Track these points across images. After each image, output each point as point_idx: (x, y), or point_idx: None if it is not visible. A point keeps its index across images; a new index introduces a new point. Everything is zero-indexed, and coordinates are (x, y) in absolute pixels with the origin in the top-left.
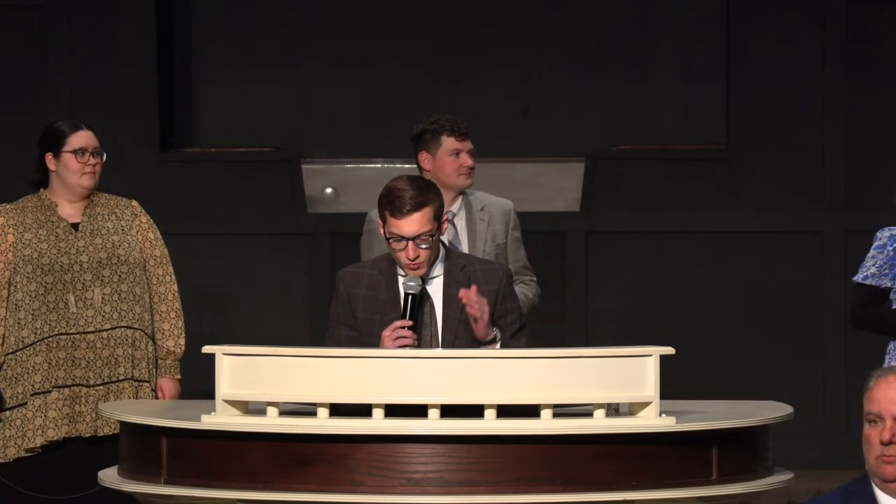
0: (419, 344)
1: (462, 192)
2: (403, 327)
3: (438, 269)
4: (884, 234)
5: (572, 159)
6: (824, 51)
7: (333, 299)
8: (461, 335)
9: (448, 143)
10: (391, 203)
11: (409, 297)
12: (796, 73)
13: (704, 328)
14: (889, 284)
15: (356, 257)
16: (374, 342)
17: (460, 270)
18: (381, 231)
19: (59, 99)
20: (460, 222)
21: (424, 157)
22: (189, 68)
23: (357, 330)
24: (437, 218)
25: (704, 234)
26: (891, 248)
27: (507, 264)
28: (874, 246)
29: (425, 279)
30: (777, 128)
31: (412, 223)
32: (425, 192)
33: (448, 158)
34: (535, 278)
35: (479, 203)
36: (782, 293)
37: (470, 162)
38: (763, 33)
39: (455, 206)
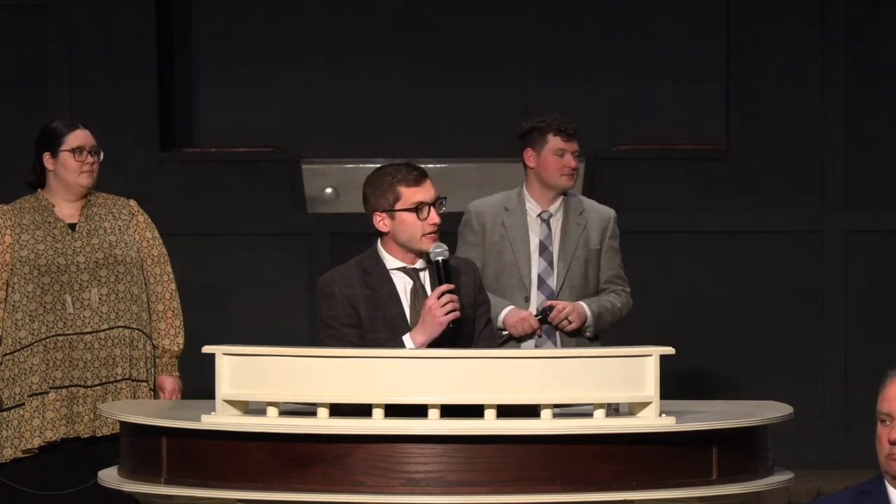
0: (409, 326)
1: (564, 194)
2: (446, 291)
3: (421, 262)
4: None
5: None
6: (824, 51)
7: (325, 305)
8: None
9: (554, 142)
10: (404, 177)
11: (442, 262)
12: (796, 73)
13: (704, 328)
14: None
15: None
16: (382, 339)
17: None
18: (382, 223)
19: (59, 99)
20: (556, 223)
21: (529, 155)
22: (189, 68)
23: (361, 329)
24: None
25: (704, 234)
26: None
27: (600, 272)
28: None
29: (416, 270)
30: (777, 128)
31: (429, 187)
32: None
33: (552, 157)
34: (628, 289)
35: (579, 207)
36: (782, 293)
37: (574, 163)
38: (763, 33)
39: (553, 207)
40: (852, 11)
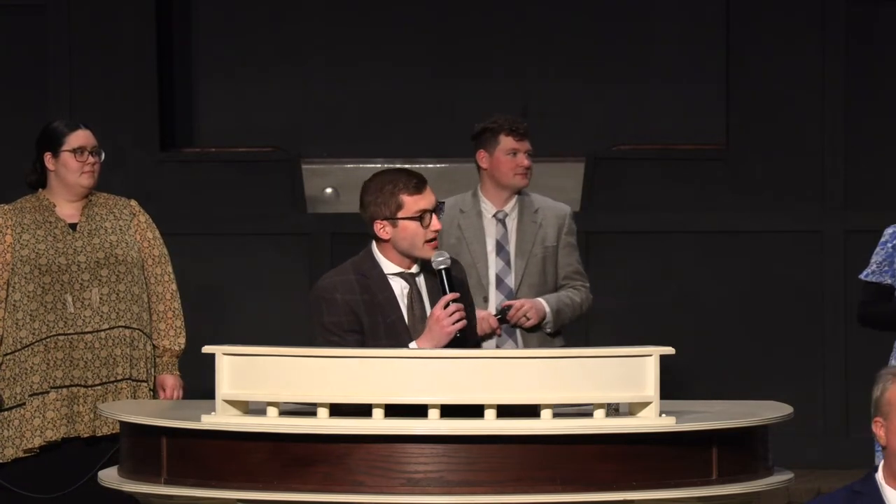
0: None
1: (518, 193)
2: (452, 300)
3: (416, 267)
4: (887, 231)
5: (572, 159)
6: (824, 51)
7: (327, 311)
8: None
9: (506, 142)
10: (406, 184)
11: (445, 271)
12: (796, 73)
13: (704, 328)
14: (890, 281)
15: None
16: (384, 345)
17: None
18: (382, 231)
19: (59, 99)
20: (512, 222)
21: (482, 156)
22: (189, 68)
23: (363, 335)
24: None
25: (704, 234)
26: (890, 245)
27: (558, 268)
28: (879, 243)
29: (412, 274)
30: (777, 128)
31: (430, 192)
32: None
33: (505, 158)
34: (587, 284)
35: (534, 205)
36: (782, 293)
37: (527, 162)
38: (763, 33)
39: (509, 206)
40: (852, 11)
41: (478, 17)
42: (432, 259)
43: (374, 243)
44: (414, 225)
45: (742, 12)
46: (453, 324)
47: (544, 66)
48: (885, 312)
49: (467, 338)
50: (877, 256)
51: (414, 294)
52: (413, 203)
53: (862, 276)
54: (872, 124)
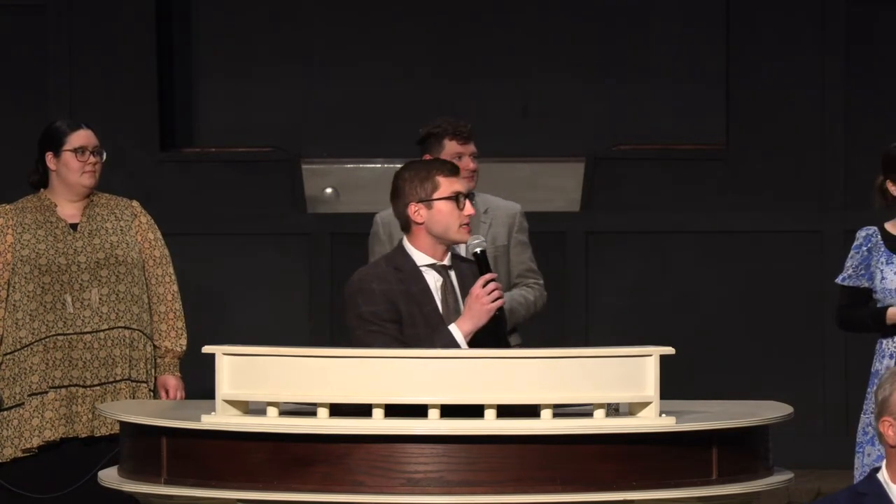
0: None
1: (469, 194)
2: (490, 280)
3: (449, 259)
4: (860, 234)
5: (572, 159)
6: (824, 51)
7: (363, 301)
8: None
9: (450, 146)
10: (441, 167)
11: (482, 252)
12: (796, 73)
13: (704, 328)
14: (867, 285)
15: (356, 257)
16: (422, 334)
17: (458, 260)
18: (417, 214)
19: (59, 99)
20: None
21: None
22: (189, 68)
23: (401, 324)
24: None
25: (704, 234)
26: (865, 249)
27: (511, 267)
28: (853, 246)
29: (445, 267)
30: (777, 128)
31: (462, 179)
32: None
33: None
34: (541, 282)
35: (484, 205)
36: (782, 293)
37: (472, 165)
38: (763, 33)
39: None
40: (852, 11)
41: (478, 17)
42: (468, 242)
43: (405, 238)
44: (449, 206)
45: (742, 12)
46: (492, 301)
47: (544, 66)
48: (862, 316)
49: (502, 321)
50: (851, 260)
51: (447, 286)
52: (448, 185)
53: (838, 281)
54: (872, 124)
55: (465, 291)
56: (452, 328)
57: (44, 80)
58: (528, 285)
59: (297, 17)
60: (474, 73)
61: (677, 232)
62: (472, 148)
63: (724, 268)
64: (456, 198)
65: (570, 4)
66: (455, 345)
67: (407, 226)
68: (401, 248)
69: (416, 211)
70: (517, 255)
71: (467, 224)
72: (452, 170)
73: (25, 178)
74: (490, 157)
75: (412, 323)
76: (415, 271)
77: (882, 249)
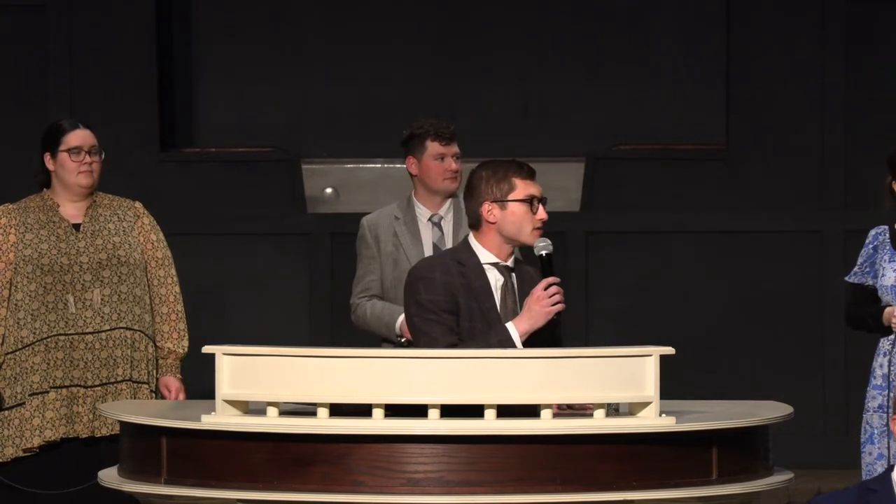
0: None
1: (453, 195)
2: (552, 284)
3: (512, 261)
4: (870, 233)
5: (572, 159)
6: (824, 51)
7: (424, 289)
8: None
9: (432, 147)
10: (518, 169)
11: (547, 255)
12: (796, 73)
13: (704, 328)
14: (871, 282)
15: (356, 257)
16: (478, 329)
17: (521, 263)
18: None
19: (59, 99)
20: (447, 225)
21: (411, 162)
22: (189, 68)
23: (459, 316)
24: None
25: (704, 234)
26: (871, 247)
27: None
28: (864, 244)
29: (508, 268)
30: (777, 128)
31: (538, 184)
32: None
33: (433, 163)
34: None
35: None
36: (782, 293)
37: (454, 166)
38: (763, 33)
39: (443, 209)
40: (852, 11)
41: (478, 17)
42: (535, 244)
43: (471, 234)
44: (523, 209)
45: (742, 12)
46: (553, 305)
47: (544, 66)
48: (864, 314)
49: (559, 325)
50: (860, 258)
51: (508, 286)
52: (524, 187)
53: (847, 278)
54: (872, 124)
55: (525, 294)
56: (509, 325)
57: (44, 80)
58: None
59: (297, 17)
60: (474, 73)
61: (677, 232)
62: (454, 149)
63: (724, 268)
64: (531, 201)
65: (570, 4)
66: (510, 342)
67: (477, 223)
68: (466, 244)
69: (490, 210)
70: None
71: (539, 228)
72: (529, 172)
73: (26, 178)
74: (490, 157)
75: (470, 317)
76: (478, 268)
77: (888, 248)
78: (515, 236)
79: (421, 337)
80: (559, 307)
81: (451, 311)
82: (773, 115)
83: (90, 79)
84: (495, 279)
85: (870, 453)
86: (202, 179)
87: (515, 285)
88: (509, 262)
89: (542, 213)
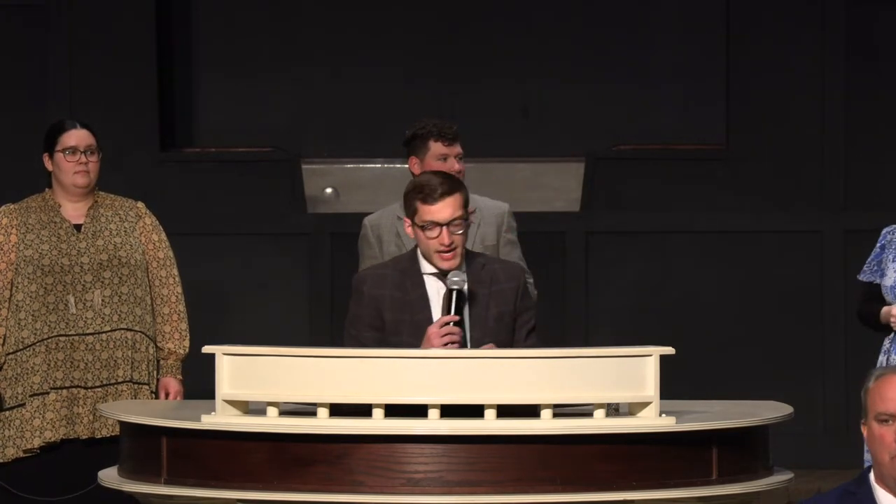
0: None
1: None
2: (449, 323)
3: (462, 268)
4: (882, 231)
5: (572, 159)
6: (824, 51)
7: (353, 302)
8: (488, 333)
9: (435, 147)
10: (422, 191)
11: (454, 292)
12: (796, 74)
13: (704, 328)
14: (879, 281)
15: (357, 257)
16: (405, 342)
17: (482, 269)
18: (408, 229)
19: (59, 99)
20: None
21: (414, 162)
22: (189, 68)
23: (383, 331)
24: (466, 206)
25: (704, 234)
26: (879, 246)
27: None
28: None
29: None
30: (777, 128)
31: (445, 207)
32: (453, 180)
33: (436, 163)
34: (531, 280)
35: (471, 206)
36: (782, 293)
37: (457, 167)
38: (763, 34)
39: None
40: (852, 11)
41: (478, 17)
42: (448, 278)
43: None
44: (422, 234)
45: (742, 12)
46: (443, 345)
47: (544, 67)
48: (870, 313)
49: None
50: (870, 256)
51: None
52: (424, 212)
53: (858, 277)
54: (872, 124)
55: (473, 301)
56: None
57: (44, 80)
58: None
59: (298, 16)
60: (474, 74)
61: (677, 232)
62: (457, 149)
63: (724, 268)
64: (424, 227)
65: (570, 4)
66: None
67: None
68: (413, 252)
69: (409, 227)
70: (507, 255)
71: (442, 252)
72: (434, 198)
73: (25, 178)
74: (490, 157)
75: (397, 331)
76: (418, 277)
77: (894, 247)
78: (428, 258)
79: (346, 346)
80: (450, 349)
81: (374, 326)
82: (773, 115)
83: (90, 79)
84: (437, 289)
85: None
86: (202, 179)
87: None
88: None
89: (442, 238)
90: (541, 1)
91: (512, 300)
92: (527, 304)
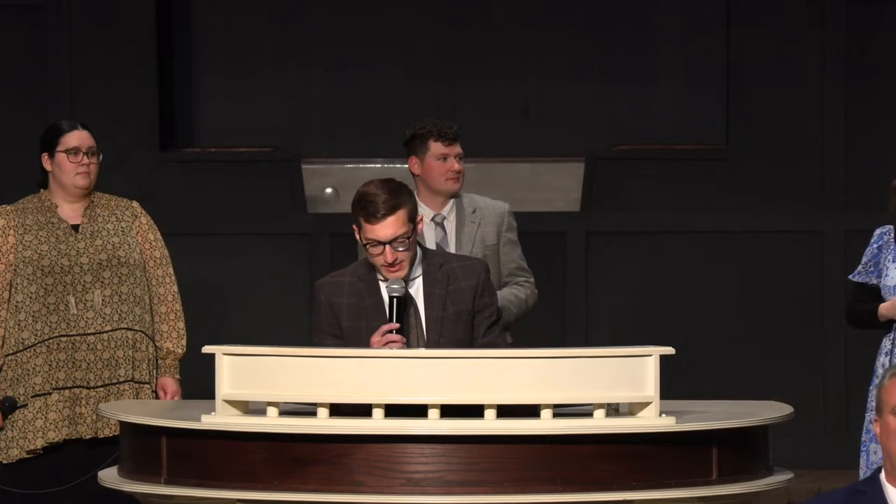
0: (407, 346)
1: (455, 195)
2: (391, 331)
3: (418, 270)
4: (875, 232)
5: (572, 159)
6: (824, 51)
7: (314, 311)
8: (445, 333)
9: (435, 147)
10: (365, 209)
11: (394, 299)
12: (796, 74)
13: (704, 328)
14: (875, 281)
15: (356, 257)
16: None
17: (438, 269)
18: (357, 236)
19: (59, 99)
20: (450, 225)
21: (414, 162)
22: (189, 68)
23: (343, 339)
24: (412, 219)
25: (704, 234)
26: (876, 246)
27: (501, 266)
28: (870, 244)
29: (407, 281)
30: (777, 128)
31: (387, 227)
32: (397, 195)
33: (436, 163)
34: (531, 280)
35: (471, 206)
36: (782, 293)
37: (457, 166)
38: (763, 34)
39: (446, 209)
40: (852, 11)
41: (478, 17)
42: (387, 285)
43: None
44: (367, 249)
45: (742, 13)
46: None
47: (544, 67)
48: (866, 311)
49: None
50: (865, 257)
51: (408, 301)
52: (367, 230)
53: (851, 277)
54: (872, 125)
55: (429, 302)
56: None
57: (44, 80)
58: (518, 283)
59: (298, 17)
60: (474, 74)
61: (677, 232)
62: (457, 149)
63: (723, 268)
64: (367, 245)
65: (570, 4)
66: None
67: None
68: (368, 258)
69: (357, 233)
70: (507, 254)
71: (390, 267)
72: (372, 216)
73: (25, 179)
74: (490, 157)
75: (355, 338)
76: (373, 284)
77: (892, 247)
78: (377, 269)
79: None
80: None
81: (333, 333)
82: (773, 115)
83: (90, 79)
84: (390, 294)
85: (875, 452)
86: (202, 179)
87: (419, 299)
88: (412, 275)
89: (386, 257)
90: (541, 1)
91: (470, 298)
92: (486, 300)
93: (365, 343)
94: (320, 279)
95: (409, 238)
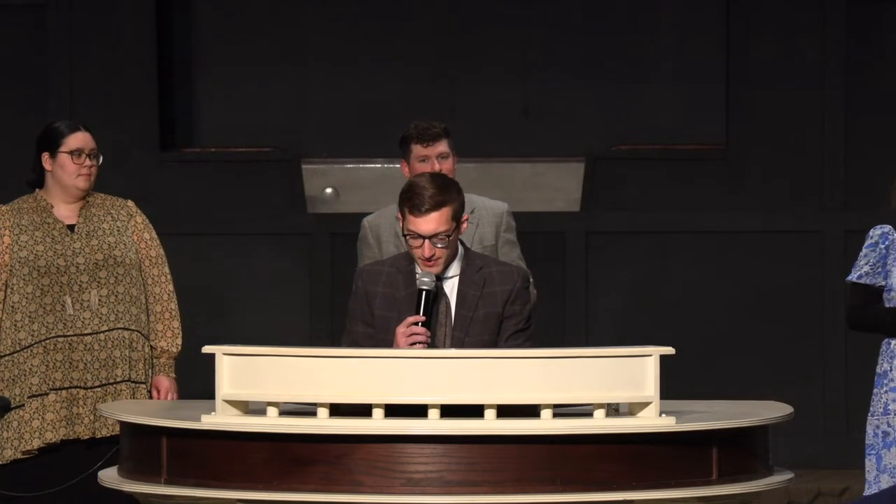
0: (433, 342)
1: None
2: (416, 323)
3: (455, 269)
4: (875, 233)
5: (572, 159)
6: (824, 51)
7: (352, 296)
8: (472, 334)
9: (416, 150)
10: (410, 200)
11: (423, 292)
12: (796, 73)
13: (705, 328)
14: (882, 283)
15: (356, 257)
16: (391, 340)
17: (476, 271)
18: (400, 226)
19: (59, 99)
20: None
21: (404, 165)
22: (189, 68)
23: (374, 327)
24: (457, 217)
25: (705, 233)
26: (882, 246)
27: None
28: (866, 244)
29: (441, 277)
30: (777, 128)
31: (430, 222)
32: (445, 192)
33: (418, 165)
34: (531, 279)
35: (470, 206)
36: (782, 293)
37: (437, 166)
38: (763, 33)
39: None
40: (852, 11)
41: (478, 17)
42: (418, 278)
43: None
44: (407, 240)
45: (742, 12)
46: (410, 345)
47: (544, 67)
48: (876, 316)
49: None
50: (867, 258)
51: (441, 296)
52: (409, 221)
53: (852, 279)
54: (872, 124)
55: (462, 302)
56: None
57: (44, 80)
58: None
59: (297, 16)
60: (474, 74)
61: (677, 232)
62: (438, 149)
63: (724, 268)
64: (407, 237)
65: (570, 4)
66: None
67: None
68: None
69: (400, 222)
70: (506, 254)
71: (427, 261)
72: (416, 209)
73: (24, 179)
74: (490, 157)
75: (385, 327)
76: (410, 276)
77: None
78: (415, 260)
79: (342, 340)
80: (417, 348)
81: (365, 321)
82: (773, 115)
83: (90, 79)
84: (420, 286)
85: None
86: (202, 179)
87: (452, 296)
88: (448, 273)
89: (424, 251)
90: (541, 1)
91: (501, 303)
92: (516, 308)
93: (393, 333)
94: (360, 266)
95: (449, 236)
